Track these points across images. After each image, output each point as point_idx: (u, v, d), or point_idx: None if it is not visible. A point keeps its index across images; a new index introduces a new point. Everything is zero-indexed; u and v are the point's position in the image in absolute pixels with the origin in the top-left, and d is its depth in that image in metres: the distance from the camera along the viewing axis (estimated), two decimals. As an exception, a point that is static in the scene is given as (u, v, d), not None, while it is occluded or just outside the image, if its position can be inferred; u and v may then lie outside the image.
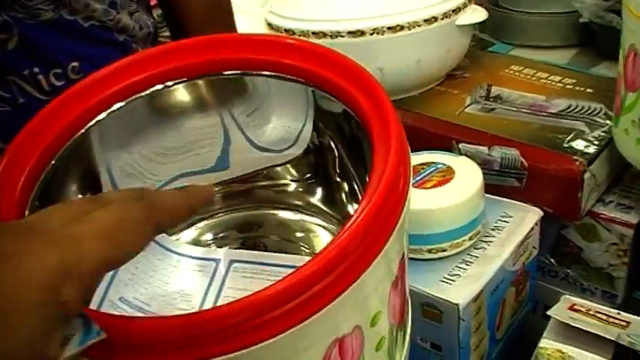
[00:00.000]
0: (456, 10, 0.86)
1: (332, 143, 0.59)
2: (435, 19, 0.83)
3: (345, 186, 0.60)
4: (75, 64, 0.64)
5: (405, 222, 0.44)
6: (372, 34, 0.81)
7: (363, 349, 0.44)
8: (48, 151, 0.50)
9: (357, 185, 0.57)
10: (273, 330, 0.37)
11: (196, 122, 0.59)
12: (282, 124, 0.60)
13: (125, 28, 0.67)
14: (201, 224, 0.65)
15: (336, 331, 0.41)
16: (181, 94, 0.58)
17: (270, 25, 0.90)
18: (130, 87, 0.54)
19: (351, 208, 0.61)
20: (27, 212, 0.47)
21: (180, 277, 0.59)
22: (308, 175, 0.63)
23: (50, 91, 0.63)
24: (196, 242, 0.64)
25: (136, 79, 0.54)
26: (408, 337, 0.54)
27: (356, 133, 0.51)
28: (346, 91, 0.49)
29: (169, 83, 0.55)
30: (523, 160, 0.77)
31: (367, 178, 0.43)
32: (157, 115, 0.58)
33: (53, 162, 0.50)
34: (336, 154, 0.59)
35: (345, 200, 0.61)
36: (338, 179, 0.61)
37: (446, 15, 0.84)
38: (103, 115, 0.53)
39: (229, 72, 0.55)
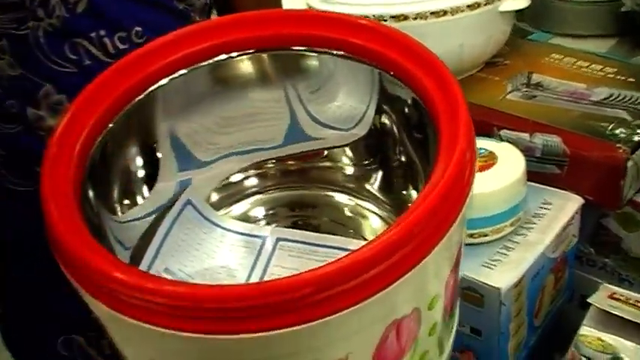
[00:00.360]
0: (499, -4, 0.85)
1: (394, 127, 0.59)
2: (478, 4, 0.83)
3: (404, 172, 0.60)
4: (138, 28, 0.66)
5: (467, 209, 0.44)
6: (415, 19, 0.81)
7: (418, 332, 0.45)
8: (109, 111, 0.51)
9: (418, 171, 0.57)
10: (335, 306, 0.37)
11: (259, 95, 0.59)
12: (345, 104, 0.60)
13: None
14: (254, 199, 0.65)
15: (397, 311, 0.41)
16: (245, 65, 0.58)
17: (310, 8, 0.90)
18: (193, 55, 0.54)
19: (407, 195, 0.60)
20: (86, 166, 0.48)
21: (225, 252, 0.60)
22: (367, 161, 0.63)
23: (115, 54, 0.65)
24: (246, 216, 0.64)
25: (201, 47, 0.54)
26: (455, 324, 0.54)
27: (421, 119, 0.51)
28: (414, 75, 0.49)
29: (234, 54, 0.56)
30: (565, 148, 0.77)
31: (430, 163, 0.43)
32: (219, 85, 0.58)
33: (111, 125, 0.51)
34: (398, 138, 0.59)
35: (401, 187, 0.61)
36: (397, 164, 0.60)
37: (489, 1, 0.84)
38: (165, 80, 0.54)
39: (296, 47, 0.55)
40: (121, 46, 0.65)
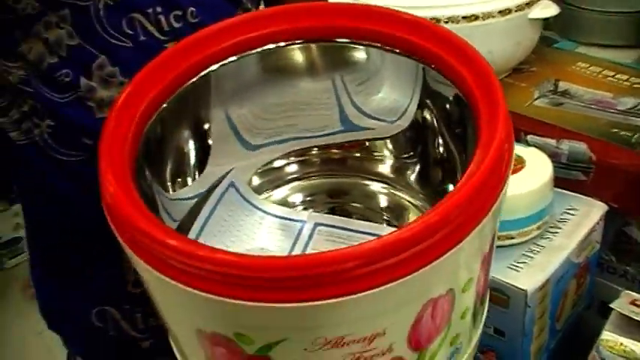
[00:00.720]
0: (529, 4, 0.86)
1: (435, 122, 0.60)
2: (509, 10, 0.84)
3: (442, 165, 0.62)
4: (193, 8, 0.67)
5: (502, 200, 0.45)
6: (447, 22, 0.82)
7: (452, 314, 0.46)
8: (163, 91, 0.53)
9: (456, 165, 0.58)
10: (376, 281, 0.39)
11: (308, 85, 0.61)
12: (390, 97, 0.61)
13: None
14: (294, 184, 0.67)
15: (433, 291, 0.43)
16: (294, 56, 0.60)
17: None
18: (244, 42, 0.56)
19: (444, 188, 0.62)
20: (142, 142, 0.51)
21: (265, 234, 0.61)
22: (406, 154, 0.65)
23: (169, 32, 0.67)
24: (285, 201, 0.66)
25: (251, 36, 0.56)
26: (484, 315, 0.56)
27: (461, 115, 0.53)
28: (457, 70, 0.50)
29: (282, 44, 0.57)
30: (591, 155, 0.78)
31: (468, 158, 0.44)
32: (269, 74, 0.60)
33: (165, 104, 0.54)
34: (438, 133, 0.60)
35: (439, 180, 0.63)
36: (436, 158, 0.62)
37: (519, 7, 0.85)
38: (216, 66, 0.56)
39: (342, 39, 0.57)
40: (176, 25, 0.67)
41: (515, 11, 0.85)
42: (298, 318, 0.41)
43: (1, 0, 0.61)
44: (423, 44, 0.53)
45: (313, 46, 0.59)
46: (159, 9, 0.66)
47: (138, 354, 0.80)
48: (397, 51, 0.55)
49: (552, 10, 0.89)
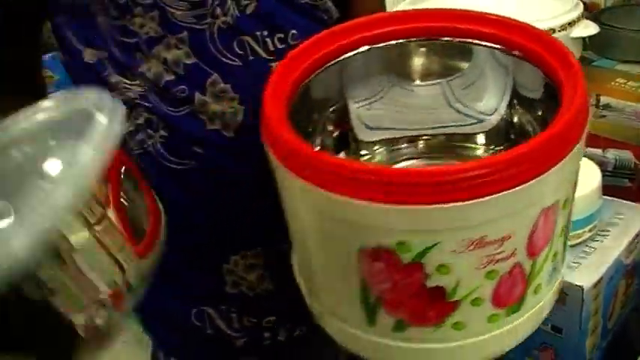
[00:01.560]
0: (572, 24, 0.92)
1: (521, 119, 0.69)
2: (553, 30, 0.89)
3: None
4: (294, 31, 0.74)
5: (582, 145, 0.54)
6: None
7: (555, 227, 0.55)
8: (315, 63, 0.65)
9: None
10: (502, 186, 0.49)
11: (421, 90, 0.72)
12: (487, 99, 0.71)
13: (328, 9, 0.79)
14: (403, 164, 0.75)
15: (545, 199, 0.52)
16: (412, 62, 0.70)
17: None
18: (376, 36, 0.67)
19: None
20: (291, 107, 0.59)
21: None
22: (497, 145, 0.73)
23: (273, 52, 0.73)
24: None
25: (381, 32, 0.67)
26: (565, 259, 0.64)
27: (544, 112, 0.63)
28: (547, 60, 0.60)
29: (402, 40, 0.67)
30: (637, 162, 0.82)
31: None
32: (393, 74, 0.71)
33: (313, 75, 0.65)
34: (525, 128, 0.69)
35: None
36: None
37: (563, 27, 0.90)
38: (365, 47, 0.67)
39: (446, 38, 0.67)
40: (279, 46, 0.73)
41: (559, 31, 0.90)
42: (450, 218, 0.49)
43: (125, 25, 0.68)
44: (519, 41, 0.63)
45: (430, 53, 0.69)
46: (265, 32, 0.72)
47: (230, 352, 0.85)
48: (498, 47, 0.65)
49: (592, 30, 0.94)
